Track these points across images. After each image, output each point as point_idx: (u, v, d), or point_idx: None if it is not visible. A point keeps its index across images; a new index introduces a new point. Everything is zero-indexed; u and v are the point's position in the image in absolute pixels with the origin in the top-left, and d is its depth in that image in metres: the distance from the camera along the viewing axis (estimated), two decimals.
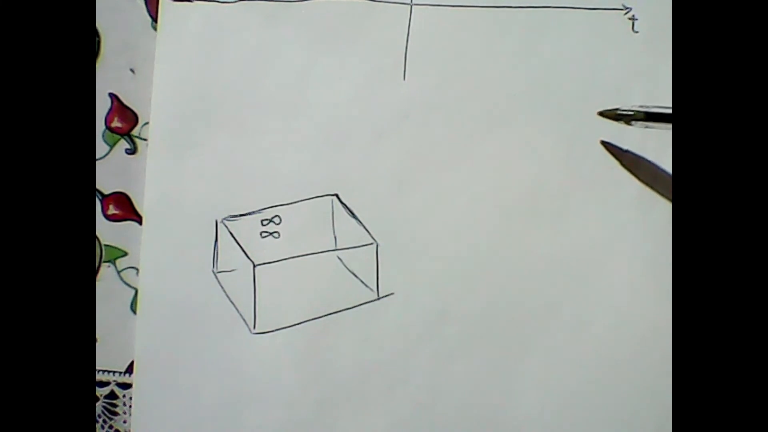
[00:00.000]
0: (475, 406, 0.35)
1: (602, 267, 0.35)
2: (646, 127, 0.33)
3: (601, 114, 0.34)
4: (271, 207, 0.36)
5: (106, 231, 0.37)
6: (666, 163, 0.34)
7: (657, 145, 0.35)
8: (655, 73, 0.35)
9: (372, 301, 0.36)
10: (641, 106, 0.34)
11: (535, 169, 0.35)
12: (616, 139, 0.35)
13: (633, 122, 0.33)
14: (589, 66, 0.35)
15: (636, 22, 0.35)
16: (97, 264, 0.37)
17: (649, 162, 0.34)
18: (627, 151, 0.34)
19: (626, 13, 0.35)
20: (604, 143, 0.34)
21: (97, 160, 0.37)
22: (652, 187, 0.34)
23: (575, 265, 0.35)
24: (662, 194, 0.34)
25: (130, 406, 0.37)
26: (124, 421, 0.37)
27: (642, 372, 0.35)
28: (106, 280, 0.37)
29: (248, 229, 0.36)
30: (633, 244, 0.35)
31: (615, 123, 0.35)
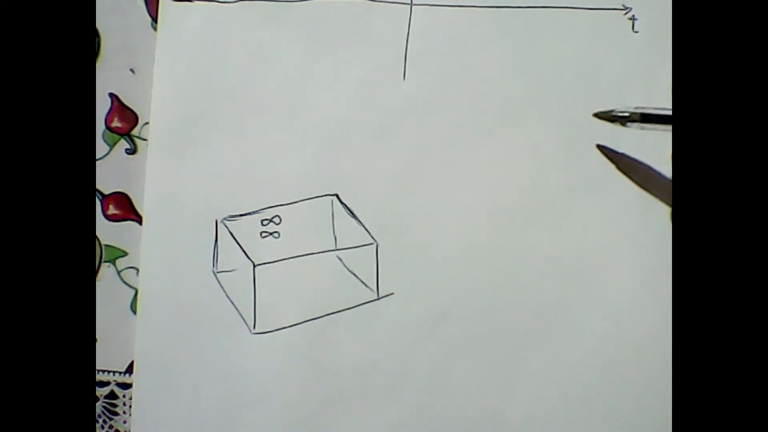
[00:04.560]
0: (475, 406, 0.35)
1: (602, 268, 0.35)
2: (642, 128, 0.33)
3: (597, 116, 0.34)
4: (271, 207, 0.36)
5: (106, 231, 0.37)
6: (663, 166, 0.34)
7: (654, 148, 0.34)
8: (655, 74, 0.35)
9: (372, 301, 0.36)
10: (637, 108, 0.34)
11: (534, 169, 0.35)
12: (616, 139, 0.35)
13: (629, 124, 0.33)
14: (589, 66, 0.35)
15: (636, 22, 0.35)
16: (97, 264, 0.37)
17: (646, 165, 0.34)
18: (623, 155, 0.34)
19: (626, 13, 0.35)
20: (600, 147, 0.34)
21: (97, 160, 0.37)
22: (648, 190, 0.34)
23: (575, 265, 0.35)
24: (659, 197, 0.34)
25: (130, 406, 0.37)
26: (124, 421, 0.37)
27: (642, 372, 0.35)
28: (106, 280, 0.37)
29: (248, 229, 0.36)
30: (632, 244, 0.35)
31: (613, 125, 0.35)
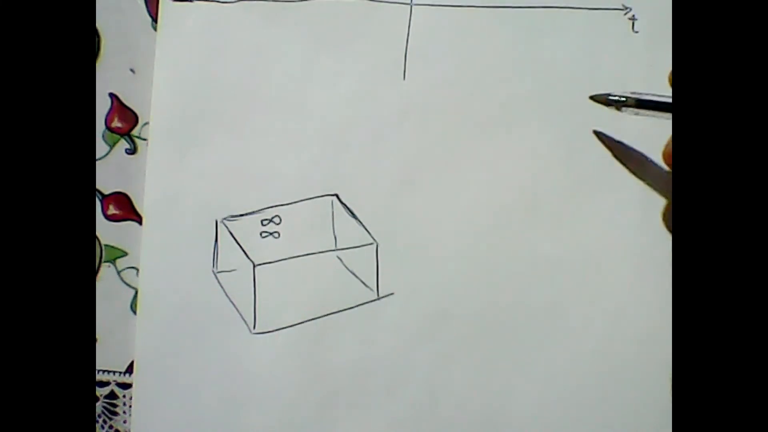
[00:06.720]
0: (475, 406, 0.35)
1: (601, 268, 0.35)
2: (637, 114, 0.33)
3: (593, 98, 0.34)
4: (271, 207, 0.36)
5: (106, 231, 0.37)
6: (659, 155, 0.34)
7: (651, 138, 0.34)
8: (655, 74, 0.35)
9: (372, 301, 0.36)
10: (633, 93, 0.33)
11: (534, 169, 0.35)
12: (615, 136, 0.35)
13: (624, 109, 0.33)
14: (589, 66, 0.35)
15: (636, 22, 0.35)
16: (97, 264, 0.37)
17: (642, 154, 0.34)
18: (619, 142, 0.34)
19: (626, 13, 0.35)
20: (597, 133, 0.34)
21: (97, 160, 0.37)
22: (644, 180, 0.34)
23: (575, 265, 0.35)
24: (654, 187, 0.34)
25: (130, 406, 0.37)
26: (124, 421, 0.37)
27: (642, 372, 0.35)
28: (106, 280, 0.37)
29: (248, 229, 0.36)
30: (633, 243, 0.35)
31: (612, 122, 0.35)
